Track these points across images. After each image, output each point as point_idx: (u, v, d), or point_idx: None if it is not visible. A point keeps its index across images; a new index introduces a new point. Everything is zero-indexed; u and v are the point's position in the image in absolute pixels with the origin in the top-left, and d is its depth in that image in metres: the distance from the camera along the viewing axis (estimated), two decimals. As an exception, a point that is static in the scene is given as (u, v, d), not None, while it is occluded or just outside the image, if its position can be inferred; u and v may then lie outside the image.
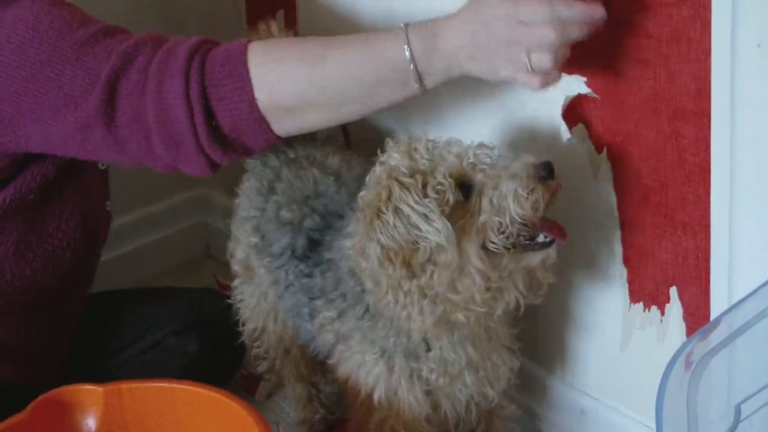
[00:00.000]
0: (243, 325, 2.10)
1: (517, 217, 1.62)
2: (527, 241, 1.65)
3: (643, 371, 1.86)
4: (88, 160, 1.88)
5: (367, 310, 1.77)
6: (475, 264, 1.63)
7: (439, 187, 1.61)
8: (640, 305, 1.85)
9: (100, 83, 1.66)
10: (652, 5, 1.61)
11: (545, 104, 1.83)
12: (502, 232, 1.63)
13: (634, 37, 1.65)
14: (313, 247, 1.86)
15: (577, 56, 1.64)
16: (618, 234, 1.82)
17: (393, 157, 1.66)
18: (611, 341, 1.92)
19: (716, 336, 1.40)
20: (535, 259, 1.67)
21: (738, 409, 1.44)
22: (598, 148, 1.78)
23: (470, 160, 1.65)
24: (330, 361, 1.88)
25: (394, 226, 1.61)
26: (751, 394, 1.46)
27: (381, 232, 1.61)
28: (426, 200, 1.61)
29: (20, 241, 1.88)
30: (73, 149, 1.75)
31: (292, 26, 2.36)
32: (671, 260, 1.76)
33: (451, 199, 1.61)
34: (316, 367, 2.13)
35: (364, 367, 1.80)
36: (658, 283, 1.80)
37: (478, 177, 1.64)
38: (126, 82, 1.66)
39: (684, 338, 1.77)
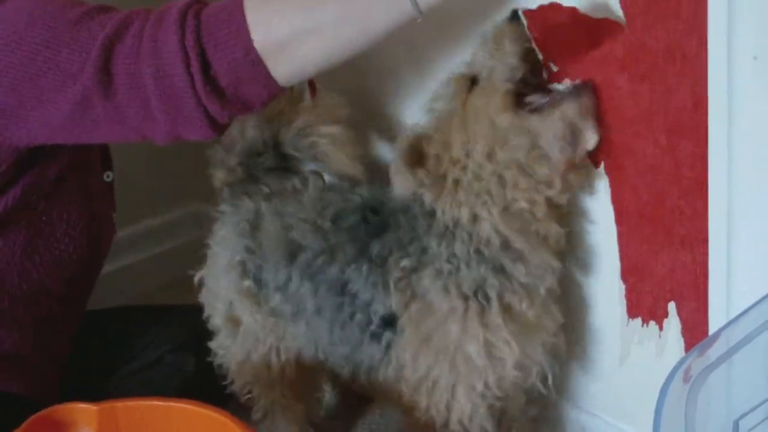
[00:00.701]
0: (231, 383, 2.06)
1: (511, 59, 1.70)
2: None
3: (641, 387, 1.85)
4: (91, 163, 1.92)
5: (441, 235, 1.75)
6: (504, 123, 1.70)
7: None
8: (639, 320, 1.84)
9: (95, 51, 1.65)
10: (648, 19, 1.60)
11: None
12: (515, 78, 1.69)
13: (630, 52, 1.65)
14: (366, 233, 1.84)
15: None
16: (616, 249, 1.81)
17: None
18: (610, 357, 1.92)
19: (714, 351, 1.40)
20: (570, 108, 1.69)
21: (736, 425, 1.44)
22: (596, 163, 1.78)
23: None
24: (398, 332, 1.80)
25: None
26: (750, 410, 1.45)
27: None
28: None
29: (27, 244, 1.89)
30: (76, 130, 1.74)
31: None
32: (669, 275, 1.75)
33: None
34: (324, 379, 2.12)
35: (453, 316, 1.74)
36: (656, 298, 1.79)
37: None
38: (121, 47, 1.66)
39: (682, 353, 1.76)
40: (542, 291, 1.76)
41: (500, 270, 1.74)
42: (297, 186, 1.98)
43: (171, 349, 2.16)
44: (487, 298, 1.73)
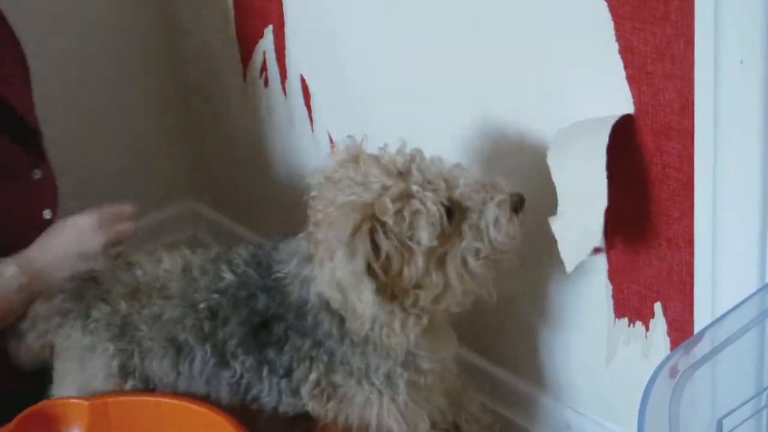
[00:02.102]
0: None
1: (496, 244, 1.69)
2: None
3: (627, 386, 1.87)
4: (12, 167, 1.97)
5: (352, 343, 1.76)
6: (458, 295, 1.71)
7: (432, 219, 1.64)
8: (625, 321, 1.85)
9: None
10: (636, 23, 1.62)
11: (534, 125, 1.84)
12: (483, 256, 1.70)
13: (618, 55, 1.66)
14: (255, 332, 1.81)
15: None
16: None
17: (372, 173, 1.68)
18: (596, 356, 1.93)
19: (699, 350, 1.41)
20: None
21: (720, 423, 1.44)
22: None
23: (459, 190, 1.68)
24: (318, 422, 1.84)
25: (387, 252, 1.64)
26: (734, 409, 1.46)
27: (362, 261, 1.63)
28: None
29: None
30: None
31: (280, 41, 2.37)
32: (655, 275, 1.76)
33: (440, 228, 1.66)
34: None
35: (371, 404, 1.79)
36: (642, 299, 1.80)
37: (457, 195, 1.68)
38: None
39: (668, 353, 1.77)
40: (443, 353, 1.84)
41: (406, 364, 1.79)
42: (141, 277, 1.92)
43: None
44: (397, 385, 1.79)
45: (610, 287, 1.85)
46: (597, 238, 1.69)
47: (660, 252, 1.74)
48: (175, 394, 1.82)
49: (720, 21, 1.46)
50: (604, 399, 1.97)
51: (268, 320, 1.79)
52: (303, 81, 2.38)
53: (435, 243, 1.65)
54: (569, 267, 1.72)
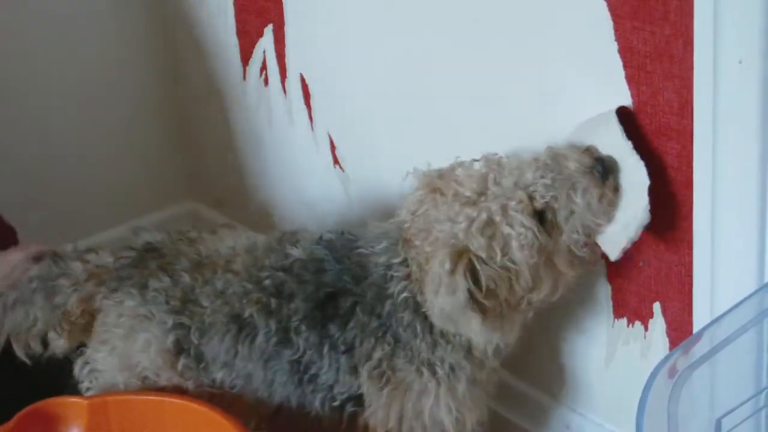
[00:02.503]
0: None
1: (595, 227, 1.68)
2: None
3: (627, 387, 1.87)
4: None
5: (426, 334, 1.76)
6: (570, 279, 1.73)
7: (523, 241, 1.64)
8: (624, 321, 1.85)
9: None
10: (635, 23, 1.62)
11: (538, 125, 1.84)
12: (585, 244, 1.69)
13: (617, 55, 1.67)
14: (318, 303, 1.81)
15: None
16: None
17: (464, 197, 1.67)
18: (596, 357, 1.93)
19: (698, 350, 1.41)
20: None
21: (719, 423, 1.44)
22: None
23: (540, 194, 1.66)
24: (366, 409, 1.82)
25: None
26: (732, 409, 1.46)
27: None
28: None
29: None
30: None
31: (280, 41, 2.38)
32: (654, 275, 1.76)
33: (537, 241, 1.65)
34: None
35: (428, 393, 1.79)
36: (641, 299, 1.81)
37: (541, 202, 1.65)
38: None
39: (667, 353, 1.77)
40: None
41: (471, 357, 1.79)
42: (204, 251, 1.91)
43: None
44: (458, 378, 1.79)
45: (609, 288, 1.85)
46: (645, 218, 1.67)
47: (659, 252, 1.74)
48: (231, 375, 1.83)
49: (719, 21, 1.46)
50: (604, 399, 1.97)
51: (336, 292, 1.78)
52: (303, 80, 2.38)
53: (535, 258, 1.65)
54: (614, 256, 1.71)
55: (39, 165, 2.63)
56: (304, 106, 2.40)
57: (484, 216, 1.65)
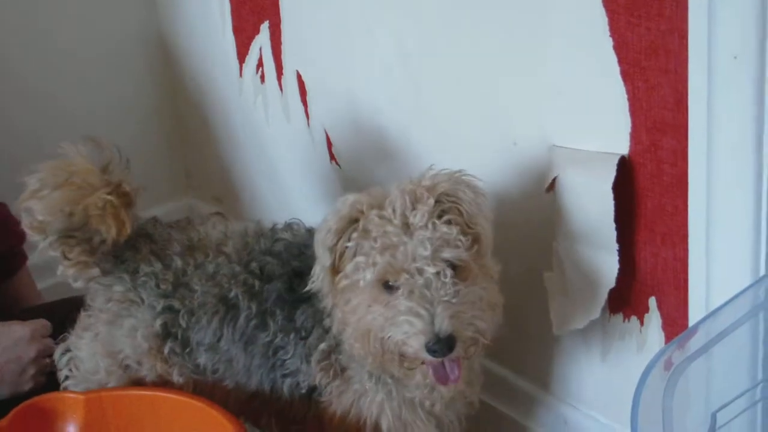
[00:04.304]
0: None
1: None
2: None
3: (623, 381, 1.87)
4: None
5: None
6: None
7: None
8: (620, 316, 1.86)
9: None
10: (630, 18, 1.62)
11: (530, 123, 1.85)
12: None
13: (612, 51, 1.67)
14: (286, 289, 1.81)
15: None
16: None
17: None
18: (592, 352, 1.94)
19: (693, 344, 1.41)
20: None
21: (714, 417, 1.45)
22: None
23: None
24: (321, 399, 1.82)
25: None
26: (728, 402, 1.47)
27: None
28: None
29: None
30: None
31: (277, 37, 2.38)
32: (650, 271, 1.77)
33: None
34: None
35: (366, 396, 1.78)
36: (637, 294, 1.81)
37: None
38: None
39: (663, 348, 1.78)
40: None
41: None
42: (195, 237, 1.91)
43: None
44: (401, 385, 1.76)
45: (605, 283, 1.86)
46: (596, 314, 1.78)
47: (655, 247, 1.74)
48: (214, 359, 1.84)
49: (714, 16, 1.47)
50: (600, 394, 1.97)
51: (304, 271, 1.77)
52: (299, 77, 2.38)
53: None
54: (557, 331, 1.81)
55: (37, 162, 2.63)
56: (301, 103, 2.40)
57: None
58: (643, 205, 1.73)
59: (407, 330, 1.59)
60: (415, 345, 1.59)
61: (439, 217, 1.62)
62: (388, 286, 1.61)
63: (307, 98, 2.38)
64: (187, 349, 1.85)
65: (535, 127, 1.84)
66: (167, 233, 1.91)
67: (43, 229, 1.84)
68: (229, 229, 1.91)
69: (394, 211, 1.62)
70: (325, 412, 1.82)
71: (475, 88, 1.94)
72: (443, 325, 1.57)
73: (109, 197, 1.80)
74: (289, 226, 1.89)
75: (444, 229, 1.60)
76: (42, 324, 2.02)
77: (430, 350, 1.58)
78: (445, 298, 1.58)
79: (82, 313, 1.93)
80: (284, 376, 1.82)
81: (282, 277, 1.81)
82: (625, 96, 1.68)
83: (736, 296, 1.49)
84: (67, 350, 1.94)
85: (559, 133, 1.81)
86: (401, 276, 1.60)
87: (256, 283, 1.81)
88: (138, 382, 1.87)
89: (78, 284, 1.91)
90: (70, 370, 1.93)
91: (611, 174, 1.71)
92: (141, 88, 2.82)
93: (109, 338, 1.88)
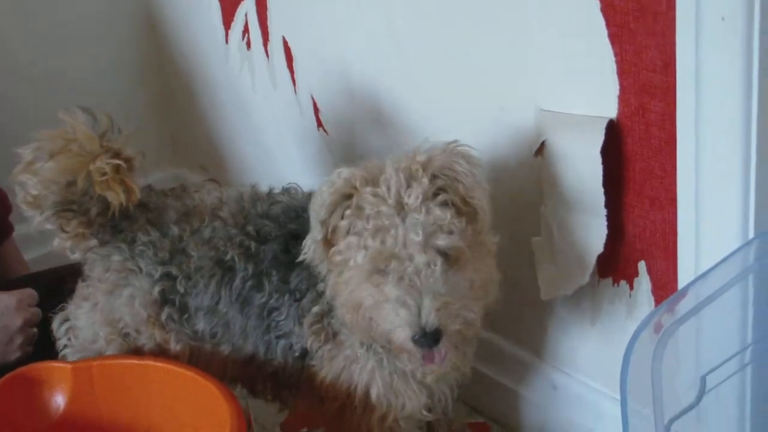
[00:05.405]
0: None
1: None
2: None
3: (613, 346, 1.87)
4: None
5: None
6: None
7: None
8: (609, 280, 1.86)
9: None
10: (618, -20, 1.61)
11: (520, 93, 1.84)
12: None
13: (599, 13, 1.66)
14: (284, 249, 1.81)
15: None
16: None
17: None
18: (582, 317, 1.93)
19: (683, 306, 1.41)
20: None
21: (704, 380, 1.45)
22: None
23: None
24: (312, 363, 1.82)
25: None
26: (717, 366, 1.47)
27: None
28: None
29: None
30: None
31: (262, 3, 2.36)
32: (639, 234, 1.76)
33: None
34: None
35: (357, 362, 1.78)
36: (626, 258, 1.81)
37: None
38: None
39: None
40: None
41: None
42: (190, 203, 1.91)
43: None
44: (392, 355, 1.76)
45: (594, 247, 1.85)
46: (585, 280, 1.78)
47: (643, 211, 1.74)
48: (212, 323, 1.84)
49: (701, -24, 1.46)
50: (590, 359, 1.97)
51: (300, 234, 1.75)
52: (285, 43, 2.36)
53: None
54: (545, 296, 1.81)
55: (20, 130, 2.62)
56: (287, 70, 2.39)
57: None
58: (631, 168, 1.73)
59: (393, 320, 1.59)
60: (401, 336, 1.59)
61: (435, 195, 1.60)
62: (379, 269, 1.60)
63: (294, 65, 2.37)
64: (185, 315, 1.85)
65: (522, 91, 1.83)
66: (162, 201, 1.91)
67: (38, 204, 1.84)
68: (224, 195, 1.91)
69: (388, 189, 1.60)
70: (315, 376, 1.82)
71: (461, 52, 1.92)
72: (430, 317, 1.57)
73: (116, 162, 1.80)
74: (286, 191, 1.89)
75: (438, 212, 1.59)
76: (28, 293, 2.02)
77: (416, 342, 1.58)
78: (434, 288, 1.57)
79: (80, 284, 1.93)
80: (278, 337, 1.82)
81: (278, 239, 1.80)
82: (613, 59, 1.67)
83: (726, 259, 1.49)
84: (66, 320, 1.94)
85: (547, 98, 1.80)
86: (392, 261, 1.59)
87: (253, 244, 1.81)
88: (137, 351, 1.87)
89: (75, 255, 1.91)
90: (69, 339, 1.93)
91: (600, 138, 1.70)
92: (126, 57, 2.81)
93: (108, 307, 1.88)
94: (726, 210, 1.56)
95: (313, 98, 2.35)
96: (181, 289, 1.84)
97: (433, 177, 1.61)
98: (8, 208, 2.29)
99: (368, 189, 1.61)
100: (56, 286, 2.16)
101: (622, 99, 1.68)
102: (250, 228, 1.82)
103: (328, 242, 1.66)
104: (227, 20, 2.51)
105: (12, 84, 2.61)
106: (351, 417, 1.81)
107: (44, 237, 2.38)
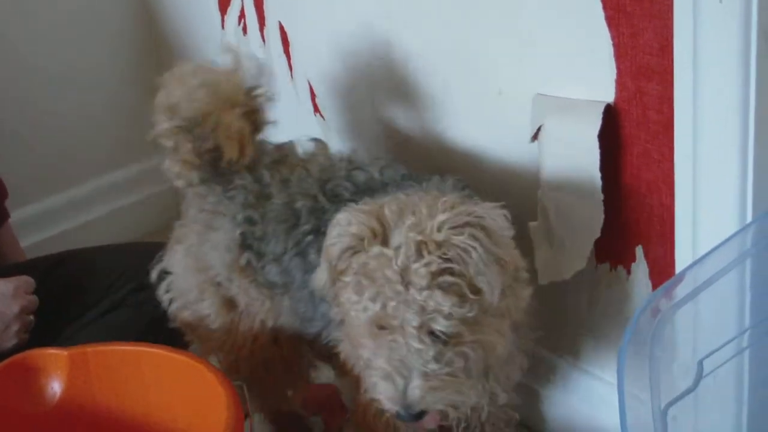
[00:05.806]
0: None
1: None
2: None
3: (610, 331, 1.87)
4: None
5: None
6: None
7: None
8: (607, 265, 1.85)
9: None
10: (615, -38, 1.61)
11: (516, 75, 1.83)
12: None
13: (598, -4, 1.65)
14: None
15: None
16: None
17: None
18: (579, 302, 1.93)
19: (681, 290, 1.41)
20: None
21: (701, 365, 1.44)
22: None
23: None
24: (333, 338, 1.81)
25: None
26: (714, 350, 1.46)
27: None
28: None
29: None
30: None
31: (259, 2, 2.36)
32: (636, 219, 1.76)
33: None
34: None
35: None
36: (623, 243, 1.80)
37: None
38: None
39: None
40: None
41: None
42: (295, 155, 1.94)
43: (135, 288, 2.15)
44: None
45: (591, 232, 1.85)
46: (582, 265, 1.78)
47: (640, 195, 1.73)
48: (278, 272, 1.84)
49: (699, -42, 1.45)
50: (588, 344, 1.97)
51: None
52: (282, 28, 2.36)
53: None
54: (543, 281, 1.81)
55: (17, 125, 2.62)
56: (284, 54, 2.38)
57: None
58: (628, 152, 1.72)
59: (380, 392, 1.58)
60: (387, 406, 1.59)
61: (443, 272, 1.53)
62: (380, 325, 1.58)
63: (290, 50, 2.36)
64: (261, 263, 1.86)
65: (519, 75, 1.83)
66: (262, 148, 1.93)
67: (174, 110, 1.87)
68: (317, 149, 1.94)
69: (397, 253, 1.54)
70: (336, 353, 1.81)
71: (458, 37, 1.92)
72: (415, 398, 1.55)
73: (242, 124, 1.86)
74: (388, 166, 1.84)
75: (439, 298, 1.52)
76: (25, 280, 2.01)
77: (399, 417, 1.58)
78: (424, 368, 1.55)
79: (176, 224, 1.97)
80: (321, 300, 1.79)
81: (349, 203, 1.73)
82: (610, 42, 1.66)
83: (723, 243, 1.48)
84: (165, 273, 1.98)
85: (544, 82, 1.79)
86: (389, 323, 1.56)
87: (324, 201, 1.80)
88: (230, 303, 1.91)
89: (178, 183, 1.93)
90: (167, 291, 1.98)
91: (597, 122, 1.69)
92: (122, 43, 2.80)
93: (199, 252, 1.92)
94: (724, 194, 1.55)
95: (309, 83, 2.34)
96: (260, 233, 1.85)
97: (445, 256, 1.54)
98: (4, 194, 2.29)
99: (377, 248, 1.56)
100: (52, 272, 2.16)
101: (620, 83, 1.68)
102: (329, 186, 1.82)
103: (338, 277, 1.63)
104: (223, 5, 2.50)
105: (9, 79, 2.61)
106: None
107: (39, 224, 2.39)
